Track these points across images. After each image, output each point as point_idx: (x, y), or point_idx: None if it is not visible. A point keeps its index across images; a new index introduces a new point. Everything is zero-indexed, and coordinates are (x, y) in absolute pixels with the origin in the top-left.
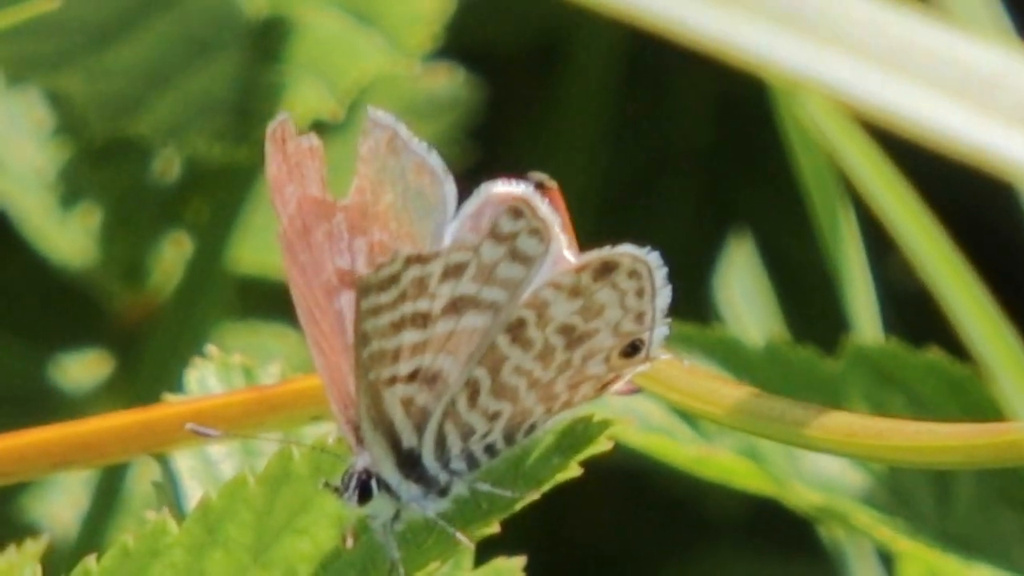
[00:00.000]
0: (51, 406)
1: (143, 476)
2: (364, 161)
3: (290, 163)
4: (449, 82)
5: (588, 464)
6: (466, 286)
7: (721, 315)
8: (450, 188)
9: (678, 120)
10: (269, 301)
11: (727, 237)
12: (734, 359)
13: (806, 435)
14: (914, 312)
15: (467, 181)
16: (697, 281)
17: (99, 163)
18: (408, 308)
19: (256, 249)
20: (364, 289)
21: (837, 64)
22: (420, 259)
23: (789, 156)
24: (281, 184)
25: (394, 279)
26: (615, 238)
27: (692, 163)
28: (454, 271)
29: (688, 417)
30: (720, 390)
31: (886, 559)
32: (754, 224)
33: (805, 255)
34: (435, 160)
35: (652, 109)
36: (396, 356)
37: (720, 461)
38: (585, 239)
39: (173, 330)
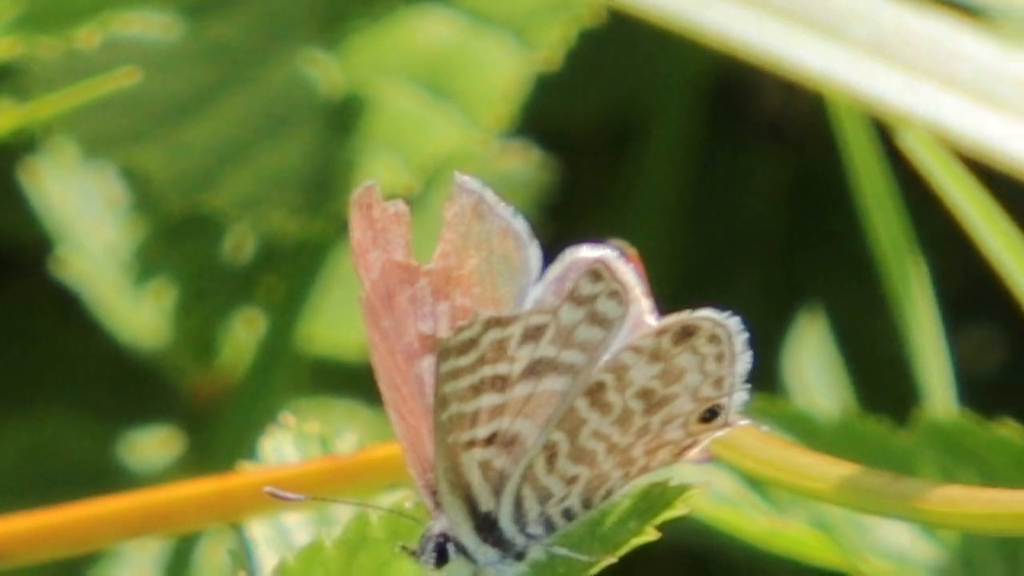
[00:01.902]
0: (122, 485)
1: (213, 550)
2: (449, 226)
3: (375, 228)
4: (524, 161)
5: (656, 541)
6: (545, 349)
7: (790, 390)
8: (534, 252)
9: (752, 198)
10: (340, 379)
11: (799, 312)
12: (807, 432)
13: (883, 503)
14: (986, 392)
15: (544, 259)
16: (769, 356)
17: (173, 241)
18: (487, 371)
19: (328, 327)
20: (444, 352)
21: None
22: (499, 322)
23: (862, 230)
24: (365, 249)
25: (473, 342)
26: (696, 306)
27: (765, 239)
28: (533, 334)
29: (759, 489)
30: (797, 459)
31: None
32: (826, 299)
33: (876, 331)
34: (520, 225)
35: (726, 188)
36: (474, 419)
37: (792, 533)
38: (662, 311)
39: (245, 408)
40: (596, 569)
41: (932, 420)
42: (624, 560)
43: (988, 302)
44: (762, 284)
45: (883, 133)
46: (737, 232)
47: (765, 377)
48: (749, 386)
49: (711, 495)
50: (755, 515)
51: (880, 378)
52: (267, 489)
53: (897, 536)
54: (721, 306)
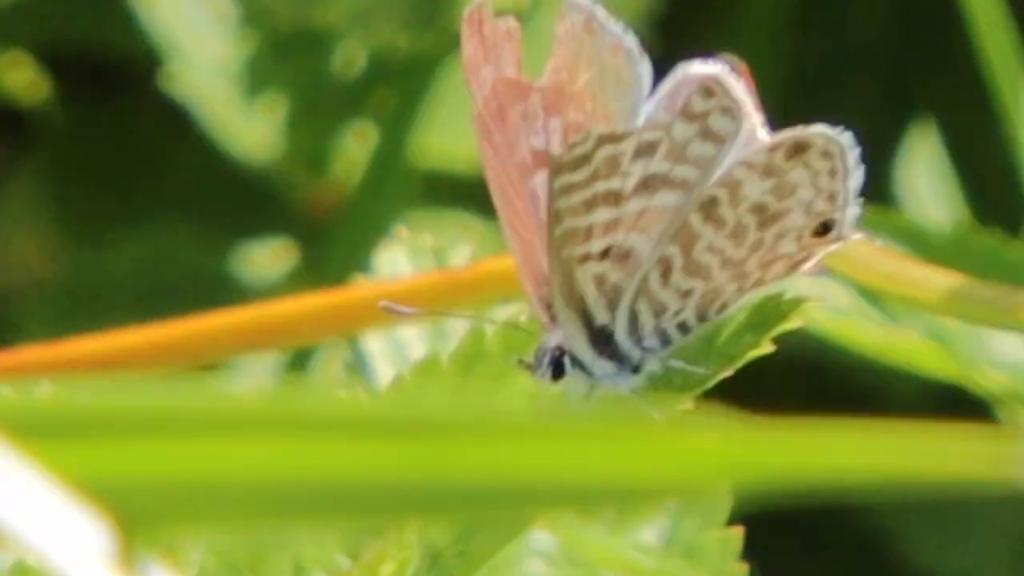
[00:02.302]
0: (237, 297)
1: (329, 362)
2: (560, 42)
3: (487, 45)
4: None
5: (770, 355)
6: (658, 164)
7: (904, 203)
8: (645, 68)
9: (861, 8)
10: (453, 192)
11: (910, 126)
12: (919, 243)
13: (1000, 314)
14: None
15: (655, 73)
16: (880, 169)
17: (283, 55)
18: (600, 186)
19: (441, 139)
20: (557, 168)
21: None
22: (612, 138)
23: (972, 42)
24: (477, 66)
25: (586, 158)
26: (806, 121)
27: (875, 52)
28: (646, 149)
29: (875, 301)
30: (911, 270)
31: None
32: (937, 112)
33: (989, 145)
34: (631, 41)
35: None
36: (588, 234)
37: (907, 344)
38: (773, 125)
39: (358, 221)
40: (712, 381)
41: None
42: (740, 372)
43: None
44: (873, 97)
45: None
46: (848, 44)
47: (878, 189)
48: (862, 200)
49: (826, 307)
50: (869, 326)
51: (993, 191)
52: (382, 303)
53: (1013, 347)
54: (833, 120)
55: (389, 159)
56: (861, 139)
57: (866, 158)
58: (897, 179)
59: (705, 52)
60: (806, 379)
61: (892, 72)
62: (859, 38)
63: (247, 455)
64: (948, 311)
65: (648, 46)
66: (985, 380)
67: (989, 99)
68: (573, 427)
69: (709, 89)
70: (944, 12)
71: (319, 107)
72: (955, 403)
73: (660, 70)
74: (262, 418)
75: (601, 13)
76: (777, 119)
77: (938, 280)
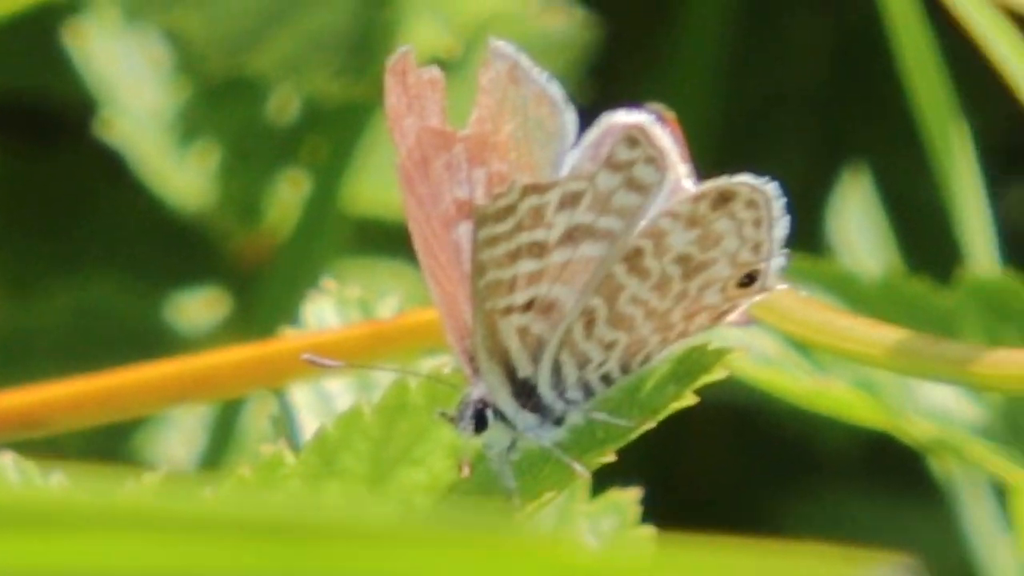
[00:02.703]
0: (169, 346)
1: (258, 413)
2: (485, 91)
3: (410, 95)
4: (566, 20)
5: (701, 399)
6: (582, 215)
7: (835, 249)
8: (570, 118)
9: (794, 55)
10: (385, 240)
11: (843, 171)
12: (849, 292)
13: (923, 365)
14: None
15: (585, 119)
16: (812, 215)
17: (216, 102)
18: (524, 238)
19: (372, 187)
20: (481, 219)
21: None
22: (537, 189)
23: (905, 88)
24: (400, 116)
25: (511, 209)
26: (732, 171)
27: (808, 97)
28: (570, 200)
29: (803, 350)
30: (837, 321)
31: (1000, 496)
32: (870, 158)
33: (921, 189)
34: (555, 90)
35: (769, 44)
36: (512, 286)
37: (835, 393)
38: (702, 173)
39: (290, 269)
40: (635, 434)
41: (975, 279)
42: (669, 419)
43: None
44: (806, 142)
45: None
46: (780, 90)
47: (809, 236)
48: (787, 251)
49: (754, 356)
50: (797, 376)
51: (926, 236)
52: (306, 356)
53: (941, 396)
54: (764, 166)
55: (321, 208)
56: (794, 185)
57: (799, 205)
58: (830, 224)
59: (639, 98)
60: (734, 425)
61: (826, 117)
62: (793, 83)
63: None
64: (873, 362)
65: (581, 91)
66: (913, 430)
67: (923, 142)
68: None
69: (633, 139)
70: (878, 58)
71: (252, 154)
72: (883, 450)
73: (595, 115)
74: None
75: (525, 62)
76: (710, 165)
77: (864, 330)
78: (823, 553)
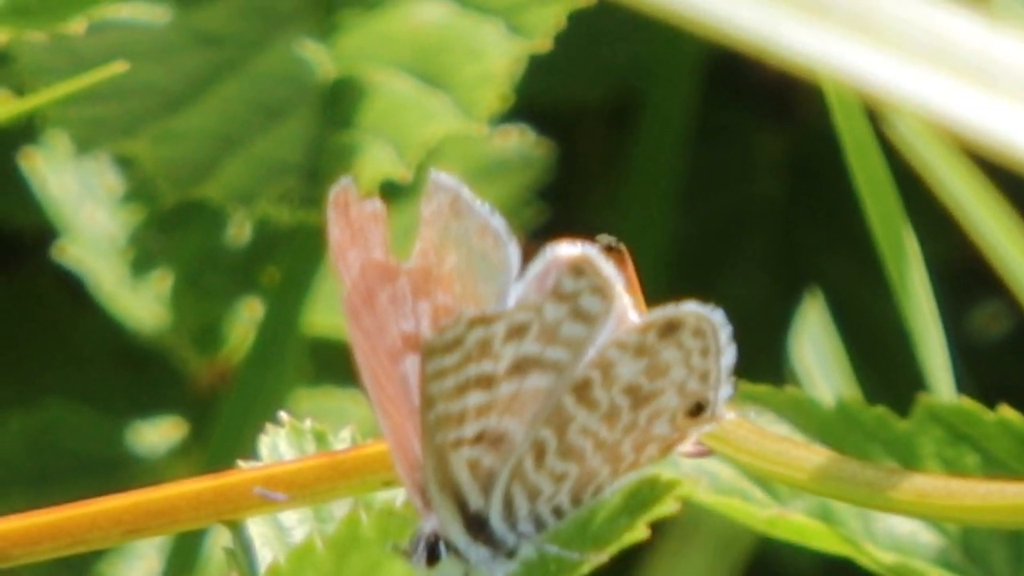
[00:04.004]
0: (126, 471)
1: (219, 542)
2: (427, 224)
3: (353, 228)
4: (519, 143)
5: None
6: (530, 346)
7: (795, 373)
8: (513, 250)
9: (752, 177)
10: (344, 364)
11: (801, 294)
12: (806, 419)
13: (878, 496)
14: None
15: (539, 241)
16: (772, 339)
17: (170, 228)
18: (472, 370)
19: (329, 312)
20: (429, 352)
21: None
22: (484, 320)
23: (861, 212)
24: (344, 249)
25: (458, 341)
26: (689, 295)
27: (766, 220)
28: (517, 331)
29: (759, 478)
30: (790, 452)
31: None
32: (828, 282)
33: (881, 313)
34: (498, 222)
35: (725, 168)
36: (461, 418)
37: (793, 523)
38: (659, 297)
39: (247, 395)
40: (587, 567)
41: (931, 405)
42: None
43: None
44: (764, 261)
45: (876, 118)
46: (738, 209)
47: (769, 359)
48: (735, 380)
49: (711, 486)
50: (755, 506)
51: (886, 356)
52: (256, 490)
53: (899, 525)
54: (723, 287)
55: (276, 333)
56: (754, 306)
57: (758, 328)
58: (790, 346)
59: (593, 220)
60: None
61: (785, 236)
62: (751, 201)
63: None
64: (826, 492)
65: (533, 217)
66: (872, 558)
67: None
68: None
69: (579, 269)
70: (834, 178)
71: (207, 280)
72: (846, 571)
73: (548, 237)
74: None
75: (467, 193)
76: (666, 289)
77: (818, 461)
78: None
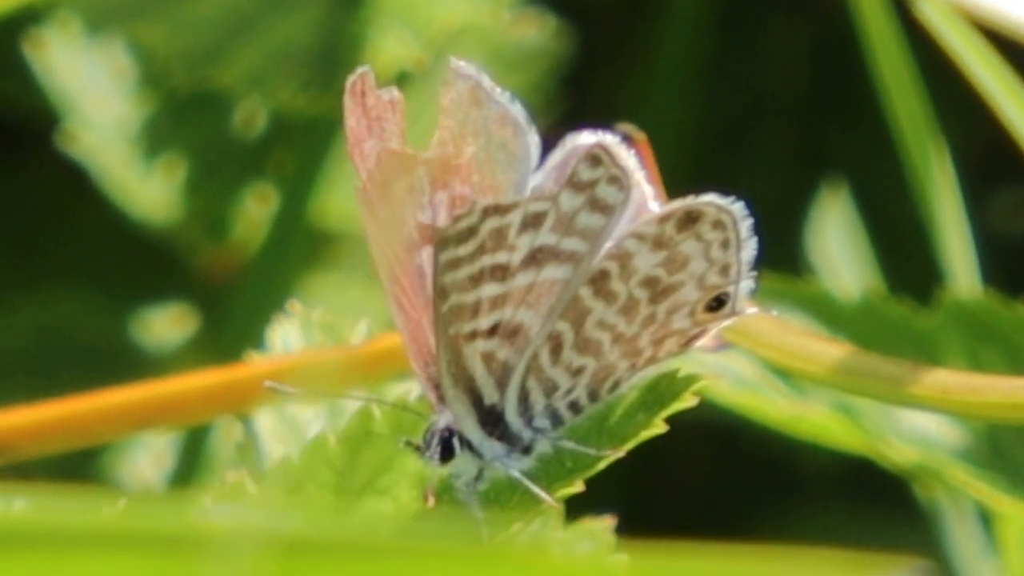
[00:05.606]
0: (136, 362)
1: (228, 436)
2: (446, 113)
3: (370, 117)
4: (539, 30)
5: (678, 420)
6: (545, 237)
7: (814, 266)
8: (533, 139)
9: (772, 66)
10: (357, 254)
11: (821, 185)
12: (827, 313)
13: (900, 392)
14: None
15: (559, 130)
16: (792, 230)
17: (182, 115)
18: (487, 260)
19: (342, 201)
20: (442, 242)
21: None
22: (498, 210)
23: (883, 102)
24: (360, 138)
25: (472, 231)
26: (708, 186)
27: (786, 110)
28: (533, 221)
29: (780, 372)
30: (812, 346)
31: (984, 517)
32: (849, 172)
33: (901, 203)
34: (518, 111)
35: (745, 55)
36: (476, 310)
37: (813, 419)
38: (679, 187)
39: (258, 285)
40: (604, 463)
41: (955, 300)
42: (647, 439)
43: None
44: (784, 153)
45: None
46: (758, 99)
47: (789, 251)
48: (757, 272)
49: (731, 380)
50: (776, 400)
51: (907, 248)
52: (267, 383)
53: (923, 421)
54: (741, 177)
55: (289, 222)
56: (772, 197)
57: (777, 218)
58: (809, 239)
59: (613, 109)
60: (717, 444)
61: (805, 127)
62: (770, 93)
63: None
64: (846, 387)
65: (555, 103)
66: (894, 454)
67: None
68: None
69: (596, 157)
70: (856, 67)
71: (218, 169)
72: (866, 470)
73: (568, 127)
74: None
75: (487, 82)
76: (685, 178)
77: (838, 355)
78: (835, 558)
